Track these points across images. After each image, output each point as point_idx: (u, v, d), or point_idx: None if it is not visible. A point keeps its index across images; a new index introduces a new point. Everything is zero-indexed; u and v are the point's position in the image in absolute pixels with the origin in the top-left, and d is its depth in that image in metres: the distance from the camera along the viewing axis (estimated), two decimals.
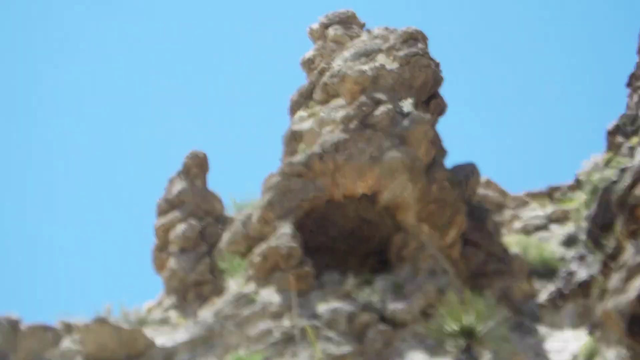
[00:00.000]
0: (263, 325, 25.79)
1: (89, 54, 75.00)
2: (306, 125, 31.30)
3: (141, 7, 76.10)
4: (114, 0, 72.00)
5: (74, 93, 74.14)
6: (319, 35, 35.23)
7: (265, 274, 27.23)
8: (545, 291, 30.12)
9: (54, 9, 72.42)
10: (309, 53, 35.02)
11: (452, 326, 18.02)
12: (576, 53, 73.12)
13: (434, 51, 32.13)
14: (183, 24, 76.90)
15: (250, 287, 27.32)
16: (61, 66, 73.78)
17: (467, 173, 31.96)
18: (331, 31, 34.39)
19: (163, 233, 31.82)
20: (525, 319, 29.13)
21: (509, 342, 25.38)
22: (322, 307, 25.96)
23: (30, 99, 73.57)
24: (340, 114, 30.10)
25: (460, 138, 65.47)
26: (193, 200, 32.11)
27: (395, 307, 25.93)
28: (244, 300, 26.82)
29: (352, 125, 29.27)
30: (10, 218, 69.07)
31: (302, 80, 34.51)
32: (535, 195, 38.66)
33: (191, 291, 30.03)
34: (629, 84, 30.40)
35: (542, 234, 35.35)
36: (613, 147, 30.46)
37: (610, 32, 71.96)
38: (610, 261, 20.62)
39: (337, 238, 29.44)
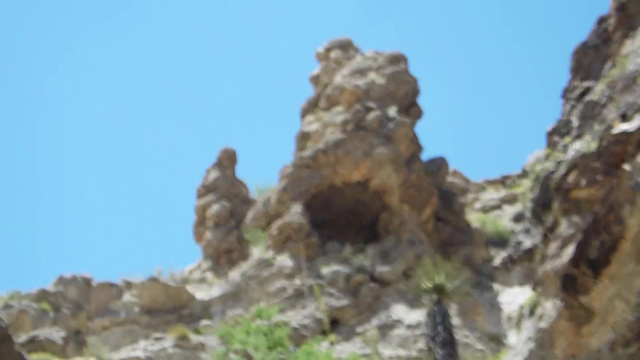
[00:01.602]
0: (279, 283, 25.92)
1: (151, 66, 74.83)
2: (313, 127, 31.41)
3: (190, 27, 75.95)
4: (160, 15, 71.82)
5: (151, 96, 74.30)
6: (323, 57, 35.30)
7: (281, 244, 27.34)
8: (499, 257, 30.17)
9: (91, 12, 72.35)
10: (316, 71, 35.10)
11: (426, 284, 18.14)
12: (524, 71, 73.06)
13: (413, 69, 32.32)
14: (224, 51, 76.96)
15: (269, 253, 27.45)
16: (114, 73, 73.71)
17: (438, 164, 32.11)
18: (333, 54, 34.47)
19: (201, 211, 31.89)
20: (483, 278, 29.23)
21: (470, 296, 25.55)
22: (326, 270, 26.08)
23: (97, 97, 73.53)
24: (340, 118, 30.20)
25: (434, 137, 65.46)
26: (225, 186, 32.14)
27: (382, 269, 26.03)
28: (264, 264, 26.94)
29: (349, 127, 29.36)
30: (94, 204, 69.53)
31: (310, 92, 34.66)
32: (491, 182, 38.68)
33: (223, 257, 30.11)
34: (563, 96, 30.38)
35: (496, 212, 35.33)
36: (551, 144, 30.41)
37: (551, 55, 71.93)
38: (549, 233, 20.69)
39: (337, 215, 29.53)
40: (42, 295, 25.99)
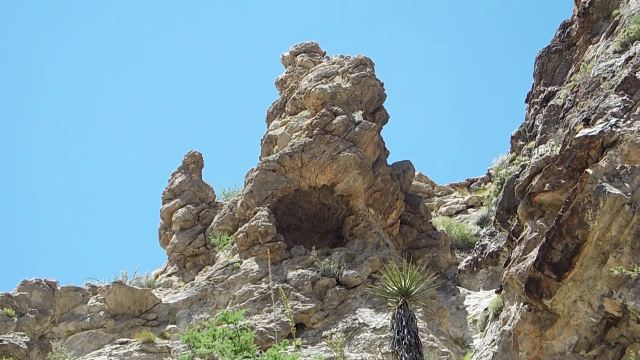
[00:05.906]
0: (245, 287, 25.82)
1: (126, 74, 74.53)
2: (279, 131, 31.40)
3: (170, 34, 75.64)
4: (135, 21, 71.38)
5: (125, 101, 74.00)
6: (289, 61, 35.36)
7: (247, 247, 27.26)
8: (464, 260, 30.36)
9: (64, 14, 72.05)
10: (282, 75, 35.14)
11: (392, 287, 18.10)
12: (489, 75, 73.66)
13: (380, 73, 32.41)
14: (190, 57, 76.99)
15: (235, 257, 27.36)
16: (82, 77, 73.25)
17: (404, 168, 32.23)
18: (299, 58, 34.54)
19: (167, 215, 31.73)
20: (448, 281, 29.35)
21: (436, 300, 25.62)
22: (292, 273, 26.01)
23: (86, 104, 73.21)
24: (306, 122, 30.21)
25: (400, 141, 65.68)
26: (191, 190, 31.99)
27: (348, 273, 25.97)
28: (230, 268, 26.84)
29: (315, 131, 29.36)
30: (59, 207, 69.19)
31: (276, 96, 34.68)
32: (456, 186, 38.89)
33: (189, 261, 29.96)
34: (527, 100, 30.66)
35: (462, 215, 35.54)
36: (516, 148, 30.73)
37: (515, 60, 72.58)
38: (513, 236, 20.83)
39: (303, 219, 29.52)
40: (6, 300, 25.67)
